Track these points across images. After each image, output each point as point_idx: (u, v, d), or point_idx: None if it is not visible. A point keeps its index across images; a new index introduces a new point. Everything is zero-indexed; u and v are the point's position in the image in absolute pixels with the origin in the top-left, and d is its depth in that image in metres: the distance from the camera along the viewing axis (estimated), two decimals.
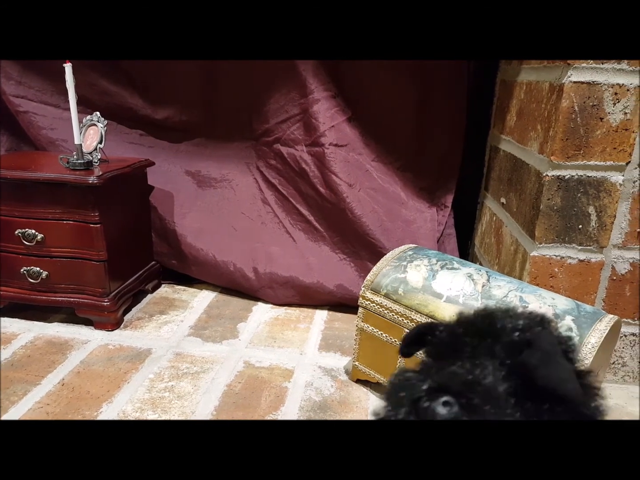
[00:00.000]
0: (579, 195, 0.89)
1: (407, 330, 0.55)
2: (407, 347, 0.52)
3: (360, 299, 0.95)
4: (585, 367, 0.43)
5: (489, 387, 0.38)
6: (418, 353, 0.52)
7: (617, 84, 0.84)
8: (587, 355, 0.70)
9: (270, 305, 1.34)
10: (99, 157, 1.16)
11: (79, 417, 0.88)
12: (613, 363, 0.99)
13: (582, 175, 0.88)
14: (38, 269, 1.14)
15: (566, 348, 0.42)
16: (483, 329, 0.44)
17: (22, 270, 1.15)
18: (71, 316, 1.19)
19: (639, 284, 0.93)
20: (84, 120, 1.18)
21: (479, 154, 1.33)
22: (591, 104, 0.85)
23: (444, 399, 0.38)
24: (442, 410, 0.37)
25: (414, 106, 1.29)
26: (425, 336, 0.49)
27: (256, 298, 1.35)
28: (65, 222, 1.11)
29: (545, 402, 0.38)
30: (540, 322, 0.44)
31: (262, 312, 1.30)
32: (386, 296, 0.91)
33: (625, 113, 0.85)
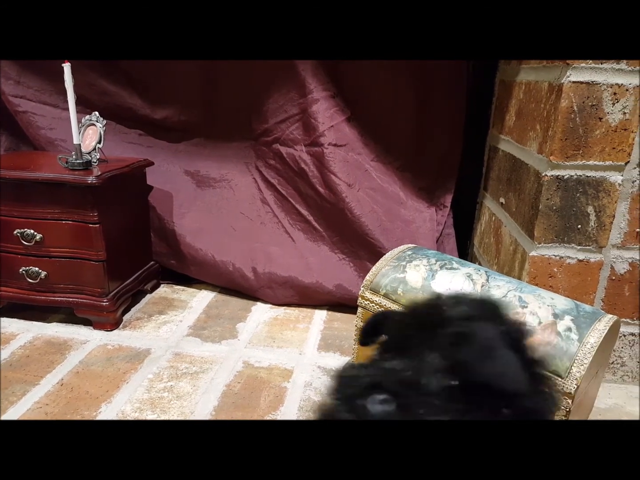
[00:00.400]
0: (578, 195, 0.89)
1: None
2: (364, 336, 0.51)
3: (360, 298, 0.95)
4: (537, 356, 0.40)
5: (425, 386, 0.37)
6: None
7: (616, 84, 0.84)
8: (586, 355, 0.70)
9: (270, 305, 1.34)
10: (97, 157, 1.16)
11: (78, 418, 0.88)
12: (612, 363, 0.99)
13: (581, 175, 0.88)
14: (37, 269, 1.14)
15: (516, 336, 0.41)
16: (429, 319, 0.42)
17: (20, 270, 1.15)
18: (70, 316, 1.19)
19: (639, 283, 0.93)
20: (82, 120, 1.18)
21: (478, 153, 1.33)
22: (590, 104, 0.85)
23: (380, 397, 0.37)
24: (375, 409, 0.36)
25: (413, 106, 1.29)
26: (381, 325, 0.48)
27: (255, 298, 1.35)
28: (64, 222, 1.11)
29: (485, 399, 0.37)
30: (488, 309, 0.43)
31: (261, 312, 1.30)
32: (385, 296, 0.91)
33: (624, 113, 0.85)
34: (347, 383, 0.39)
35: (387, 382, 0.37)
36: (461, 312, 0.42)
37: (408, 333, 0.42)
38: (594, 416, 0.90)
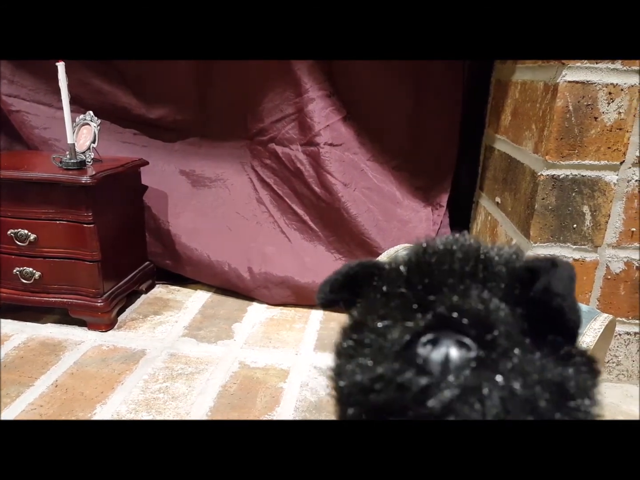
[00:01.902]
0: (573, 194, 0.89)
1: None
2: (336, 290, 0.40)
3: None
4: None
5: (508, 322, 0.30)
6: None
7: (611, 84, 0.84)
8: None
9: (266, 306, 1.33)
10: (92, 156, 1.16)
11: (73, 419, 0.87)
12: (608, 362, 1.00)
13: (576, 175, 0.88)
14: (31, 269, 1.14)
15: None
16: (465, 256, 0.34)
17: (14, 270, 1.14)
18: (64, 317, 1.19)
19: (638, 283, 0.93)
20: (77, 120, 1.17)
21: (474, 153, 1.33)
22: (585, 103, 0.85)
23: (457, 337, 0.29)
24: (455, 354, 0.29)
25: (409, 105, 1.29)
26: (367, 277, 0.38)
27: (251, 298, 1.35)
28: (58, 222, 1.10)
29: (550, 339, 0.32)
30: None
31: (257, 313, 1.29)
32: None
33: (620, 113, 0.85)
34: (386, 327, 0.31)
35: (462, 316, 0.30)
36: (503, 253, 0.35)
37: (437, 270, 0.34)
38: None
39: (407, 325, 0.31)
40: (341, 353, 0.35)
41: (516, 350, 0.30)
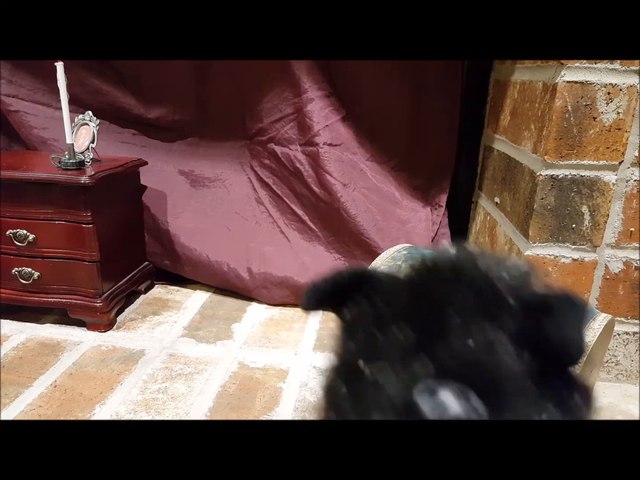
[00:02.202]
0: (572, 194, 0.89)
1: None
2: (322, 300, 0.37)
3: None
4: None
5: (510, 370, 0.28)
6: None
7: (610, 84, 0.84)
8: None
9: (265, 306, 1.33)
10: (91, 156, 1.16)
11: (72, 419, 0.87)
12: (607, 362, 1.00)
13: (575, 175, 0.88)
14: (30, 269, 1.13)
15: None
16: (472, 284, 0.30)
17: (13, 271, 1.14)
18: (63, 317, 1.18)
19: (639, 283, 0.93)
20: (75, 120, 1.17)
21: (473, 153, 1.33)
22: (584, 103, 0.85)
23: (458, 388, 0.27)
24: (454, 406, 0.27)
25: (408, 105, 1.29)
26: (358, 285, 0.35)
27: (250, 298, 1.35)
28: (57, 222, 1.10)
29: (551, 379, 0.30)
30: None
31: (257, 313, 1.29)
32: None
33: (618, 113, 0.85)
34: (382, 373, 0.29)
35: (462, 367, 0.27)
36: (513, 275, 0.32)
37: (436, 297, 0.31)
38: None
39: (404, 373, 0.29)
40: (331, 402, 0.33)
41: (521, 402, 0.28)
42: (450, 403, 0.27)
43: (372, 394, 0.29)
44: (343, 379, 0.32)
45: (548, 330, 0.29)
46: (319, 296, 0.38)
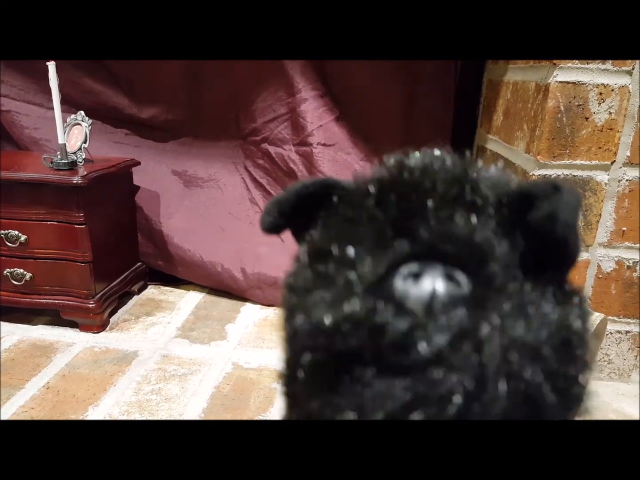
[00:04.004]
0: None
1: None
2: (286, 213, 0.33)
3: None
4: None
5: (503, 253, 0.25)
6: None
7: (602, 84, 0.84)
8: None
9: (259, 306, 1.33)
10: (83, 156, 1.15)
11: (63, 419, 0.87)
12: (599, 360, 1.00)
13: (568, 175, 0.89)
14: (22, 270, 1.13)
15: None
16: (448, 176, 0.28)
17: (5, 272, 1.13)
18: (56, 318, 1.18)
19: (639, 282, 0.94)
20: (68, 120, 1.17)
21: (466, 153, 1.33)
22: (577, 103, 0.85)
23: (446, 270, 0.24)
24: (443, 290, 0.23)
25: (402, 105, 1.29)
26: (326, 199, 0.31)
27: (244, 299, 1.35)
28: (49, 223, 1.09)
29: (546, 275, 0.27)
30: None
31: (251, 313, 1.29)
32: None
33: (610, 113, 0.85)
34: (354, 258, 0.25)
35: (451, 245, 0.24)
36: (490, 175, 0.29)
37: (414, 191, 0.27)
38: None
39: (382, 254, 0.25)
40: (295, 287, 0.29)
41: (514, 287, 0.25)
42: (438, 287, 0.24)
43: (342, 272, 0.26)
44: (308, 263, 0.28)
45: (534, 216, 0.26)
46: (283, 211, 0.33)
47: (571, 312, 0.27)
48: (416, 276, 0.24)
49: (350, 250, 0.26)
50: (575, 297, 0.28)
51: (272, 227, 0.34)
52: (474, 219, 0.26)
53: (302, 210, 0.32)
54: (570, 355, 0.26)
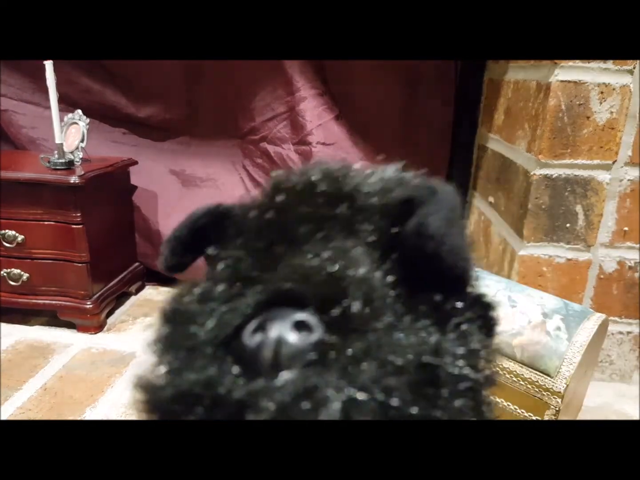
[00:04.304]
0: (566, 194, 0.89)
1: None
2: (180, 252, 0.31)
3: None
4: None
5: (370, 282, 0.22)
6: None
7: (603, 83, 0.84)
8: (575, 354, 0.70)
9: None
10: (80, 156, 1.14)
11: (59, 419, 0.86)
12: (601, 361, 1.00)
13: (569, 174, 0.88)
14: (19, 271, 1.12)
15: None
16: (327, 194, 0.26)
17: (2, 272, 1.12)
18: (53, 319, 1.17)
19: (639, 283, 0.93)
20: (65, 119, 1.16)
21: (466, 152, 1.33)
22: (578, 103, 0.85)
23: (296, 316, 0.22)
24: (291, 337, 0.21)
25: (402, 104, 1.29)
26: (220, 228, 0.30)
27: None
28: (46, 223, 1.08)
29: (430, 289, 0.24)
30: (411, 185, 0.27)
31: None
32: None
33: (611, 112, 0.85)
34: (205, 312, 0.23)
35: (302, 286, 0.22)
36: (372, 184, 0.27)
37: (290, 218, 0.25)
38: (582, 415, 0.90)
39: (230, 308, 0.23)
40: (156, 339, 0.27)
41: (378, 325, 0.22)
42: (286, 337, 0.21)
43: (189, 332, 0.24)
44: (164, 322, 0.27)
45: (405, 233, 0.23)
46: (175, 249, 0.31)
47: (443, 346, 0.24)
48: (264, 328, 0.22)
49: (203, 306, 0.24)
50: (468, 314, 0.25)
51: (168, 267, 0.31)
52: (346, 242, 0.24)
53: (199, 243, 0.30)
54: (431, 396, 0.23)
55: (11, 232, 1.09)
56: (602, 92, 0.84)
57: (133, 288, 1.34)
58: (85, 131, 1.14)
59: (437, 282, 0.24)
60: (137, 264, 1.36)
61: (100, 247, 1.15)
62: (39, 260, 1.11)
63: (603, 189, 0.88)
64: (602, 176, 0.88)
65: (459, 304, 0.25)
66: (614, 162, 0.87)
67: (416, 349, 0.22)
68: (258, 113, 1.32)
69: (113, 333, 1.16)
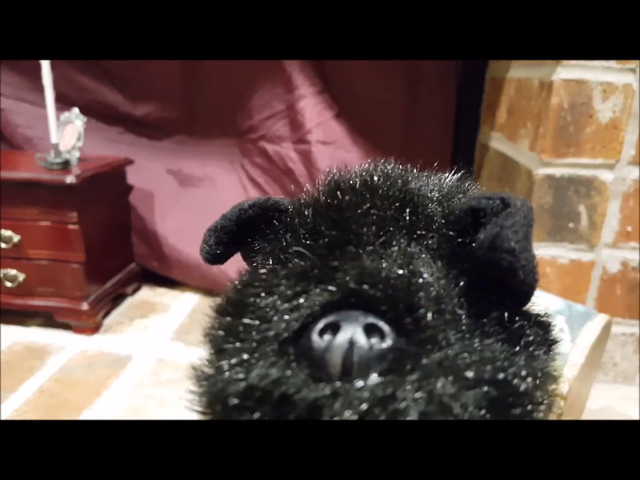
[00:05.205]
0: (569, 193, 0.88)
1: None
2: (224, 242, 0.30)
3: None
4: None
5: (440, 292, 0.22)
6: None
7: (606, 82, 0.83)
8: (578, 355, 0.70)
9: None
10: (77, 155, 1.13)
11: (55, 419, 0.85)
12: (604, 363, 0.99)
13: (572, 174, 0.87)
14: (15, 272, 1.11)
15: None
16: (389, 197, 0.25)
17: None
18: (49, 320, 1.16)
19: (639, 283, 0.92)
20: (61, 118, 1.14)
21: (468, 151, 1.32)
22: (581, 101, 0.84)
23: (367, 320, 0.21)
24: (363, 342, 0.20)
25: (403, 103, 1.28)
26: (267, 222, 0.29)
27: None
28: (42, 223, 1.07)
29: (497, 304, 0.24)
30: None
31: None
32: None
33: (614, 111, 0.84)
34: (268, 307, 0.23)
35: (373, 289, 0.21)
36: (439, 188, 0.26)
37: (351, 217, 0.25)
38: (585, 418, 0.89)
39: (300, 303, 0.22)
40: (211, 338, 0.26)
41: (449, 335, 0.21)
42: (357, 341, 0.21)
43: (255, 328, 0.23)
44: (225, 313, 0.27)
45: (478, 246, 0.22)
46: (220, 239, 0.30)
47: (522, 357, 0.23)
48: (334, 329, 0.22)
49: (266, 300, 0.24)
50: (533, 331, 0.25)
51: (211, 257, 0.31)
52: (411, 248, 0.23)
53: (244, 235, 0.30)
54: (503, 413, 0.23)
55: (7, 232, 1.08)
56: (604, 91, 0.83)
57: (130, 289, 1.32)
58: (82, 130, 1.13)
59: (504, 296, 0.24)
60: (133, 264, 1.35)
61: (96, 247, 1.14)
62: (35, 261, 1.10)
63: (606, 188, 0.87)
64: (606, 176, 0.87)
65: (525, 322, 0.25)
66: (617, 162, 0.86)
67: (491, 365, 0.22)
68: (256, 111, 1.31)
69: (110, 335, 1.15)
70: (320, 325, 0.22)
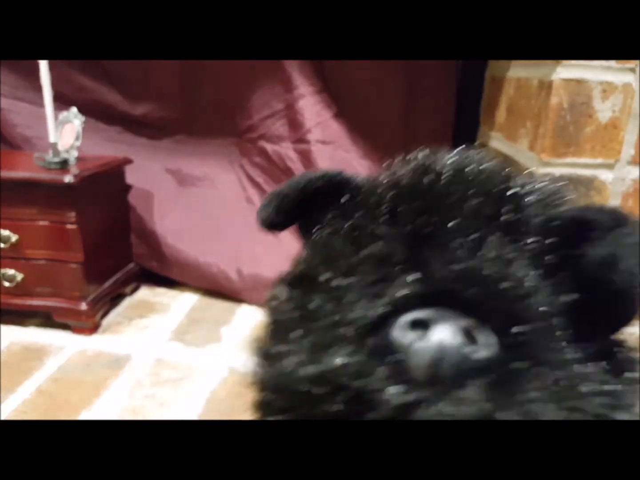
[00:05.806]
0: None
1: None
2: (285, 211, 0.27)
3: None
4: None
5: (542, 303, 0.19)
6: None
7: (606, 82, 0.83)
8: None
9: (256, 308, 1.31)
10: (75, 155, 1.13)
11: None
12: None
13: (572, 173, 0.87)
14: (13, 271, 1.11)
15: None
16: (484, 187, 0.22)
17: None
18: (48, 321, 1.15)
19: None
20: (60, 117, 1.14)
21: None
22: (580, 101, 0.84)
23: (464, 323, 0.18)
24: (458, 347, 0.18)
25: (402, 102, 1.28)
26: (334, 196, 0.26)
27: (240, 300, 1.32)
28: (41, 223, 1.07)
29: (592, 325, 0.21)
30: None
31: (247, 315, 1.27)
32: None
33: (614, 111, 0.84)
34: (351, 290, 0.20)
35: (472, 289, 0.18)
36: (541, 190, 0.23)
37: (437, 203, 0.22)
38: None
39: (382, 290, 0.20)
40: (272, 319, 0.24)
41: (552, 356, 0.19)
42: (442, 341, 0.18)
43: (328, 310, 0.21)
44: (295, 295, 0.24)
45: (589, 257, 0.20)
46: (281, 207, 0.28)
47: (623, 386, 0.21)
48: (423, 325, 0.19)
49: (343, 281, 0.21)
50: (628, 359, 0.23)
51: (269, 224, 0.29)
52: (510, 250, 0.21)
53: (306, 208, 0.28)
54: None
55: (6, 232, 1.08)
56: (604, 91, 0.83)
57: (128, 289, 1.32)
58: (80, 130, 1.12)
59: (611, 320, 0.22)
60: (132, 264, 1.35)
61: (95, 247, 1.14)
62: (34, 261, 1.10)
63: (606, 188, 0.87)
64: (605, 175, 0.87)
65: (623, 350, 0.23)
66: (616, 161, 0.86)
67: (595, 395, 0.20)
68: (256, 111, 1.31)
69: (108, 335, 1.15)
70: (406, 319, 0.19)
